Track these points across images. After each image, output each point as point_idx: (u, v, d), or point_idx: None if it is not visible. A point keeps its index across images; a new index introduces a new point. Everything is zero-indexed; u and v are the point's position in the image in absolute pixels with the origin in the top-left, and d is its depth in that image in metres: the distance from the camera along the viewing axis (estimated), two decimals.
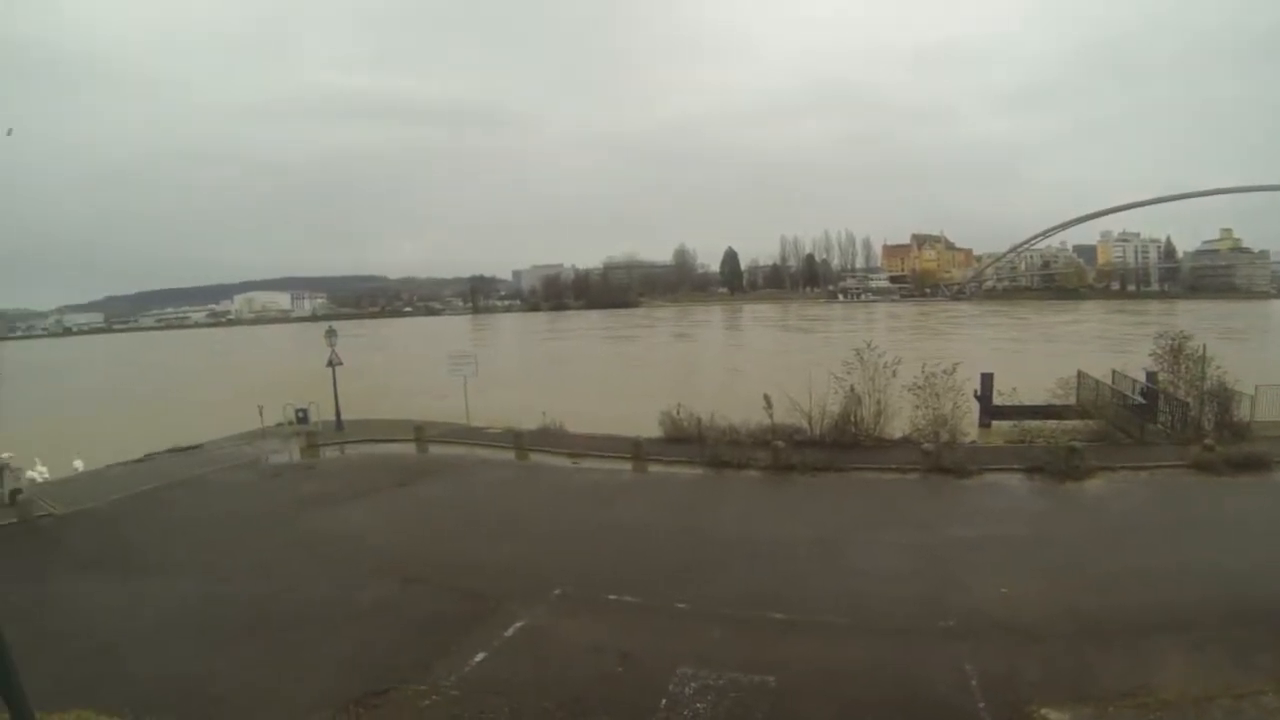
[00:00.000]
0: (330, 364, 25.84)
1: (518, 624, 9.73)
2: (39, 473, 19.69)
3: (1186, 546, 11.95)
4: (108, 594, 11.72)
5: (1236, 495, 14.91)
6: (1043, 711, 7.30)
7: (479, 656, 8.87)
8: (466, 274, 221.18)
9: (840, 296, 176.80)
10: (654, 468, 18.55)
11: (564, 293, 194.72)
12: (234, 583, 11.95)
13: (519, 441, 21.00)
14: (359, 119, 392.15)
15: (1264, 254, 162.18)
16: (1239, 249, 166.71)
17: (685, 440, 19.80)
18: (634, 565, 11.85)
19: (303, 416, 25.23)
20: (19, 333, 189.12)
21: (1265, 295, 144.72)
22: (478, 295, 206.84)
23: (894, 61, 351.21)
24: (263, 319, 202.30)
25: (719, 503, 15.69)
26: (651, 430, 20.76)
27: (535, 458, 20.12)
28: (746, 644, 8.92)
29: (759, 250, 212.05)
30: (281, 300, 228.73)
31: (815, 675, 8.22)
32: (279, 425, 25.52)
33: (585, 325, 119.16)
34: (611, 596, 10.52)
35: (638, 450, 19.07)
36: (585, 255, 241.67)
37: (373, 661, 8.88)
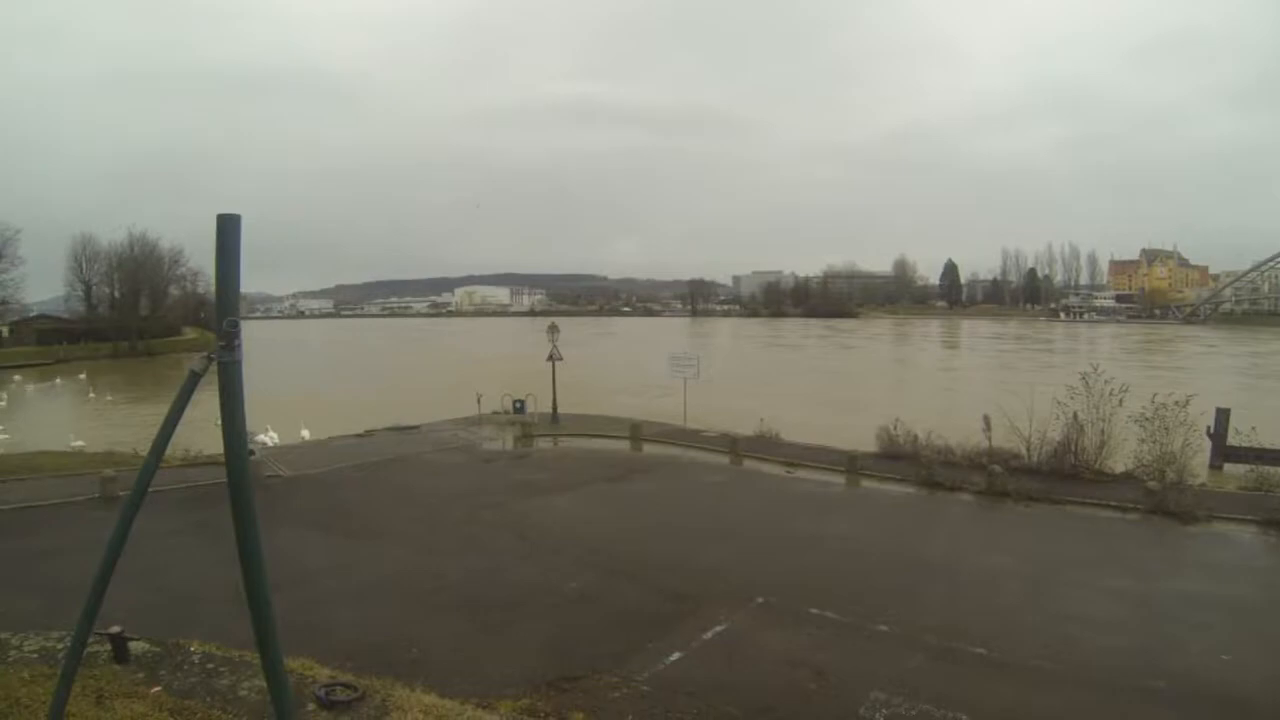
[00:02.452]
0: (550, 358, 27.09)
1: (717, 628, 9.91)
2: (270, 437, 22.24)
3: None
4: (325, 553, 12.96)
5: None
6: None
7: (674, 656, 9.10)
8: (685, 277, 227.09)
9: (1062, 315, 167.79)
10: (866, 483, 18.49)
11: (783, 299, 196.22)
12: (442, 556, 12.96)
13: (734, 446, 21.27)
14: (579, 126, 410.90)
15: None
16: None
17: (899, 457, 19.68)
18: (839, 581, 11.84)
19: (519, 407, 26.44)
20: (258, 313, 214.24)
21: None
22: (696, 298, 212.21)
23: (1113, 59, 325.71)
24: (482, 311, 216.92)
25: (929, 525, 15.41)
26: (867, 444, 20.72)
27: (749, 464, 20.41)
28: (943, 676, 8.68)
29: (979, 263, 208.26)
30: (500, 295, 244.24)
31: (1010, 719, 7.96)
32: (495, 414, 27.09)
33: (804, 333, 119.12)
34: (813, 610, 10.49)
35: (852, 464, 19.06)
36: (804, 263, 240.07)
37: (570, 648, 9.24)
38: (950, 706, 8.03)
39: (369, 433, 24.33)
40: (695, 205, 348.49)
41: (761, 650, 9.42)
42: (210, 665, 6.35)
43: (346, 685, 6.00)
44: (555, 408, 26.83)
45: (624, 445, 22.89)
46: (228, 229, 3.17)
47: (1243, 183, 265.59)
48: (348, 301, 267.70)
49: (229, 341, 3.16)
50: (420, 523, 15.14)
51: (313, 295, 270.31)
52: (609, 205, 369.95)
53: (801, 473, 19.23)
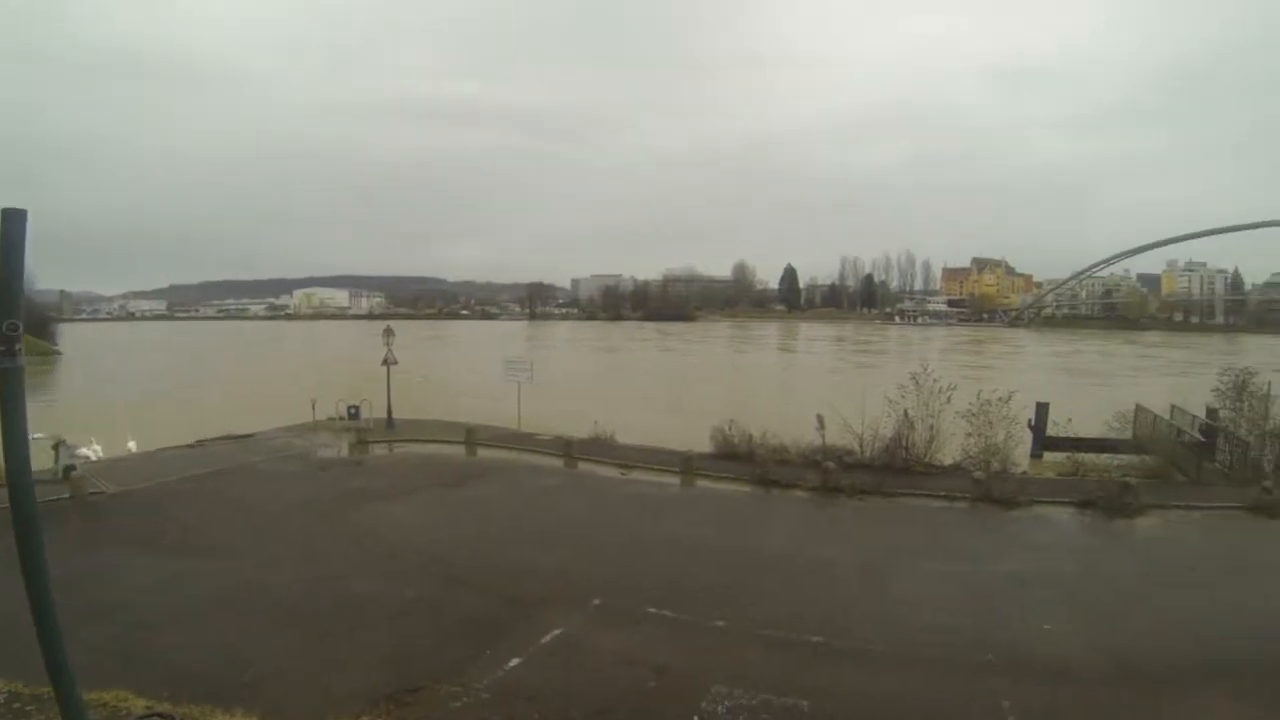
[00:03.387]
0: (385, 363, 26.65)
1: (555, 631, 9.89)
2: (93, 451, 20.50)
3: (1240, 591, 11.90)
4: (152, 573, 12.13)
5: None
6: None
7: (513, 662, 9.01)
8: (525, 280, 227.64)
9: (897, 318, 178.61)
10: (702, 483, 18.88)
11: (622, 303, 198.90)
12: (277, 570, 12.34)
13: (569, 449, 21.40)
14: (424, 124, 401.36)
15: None
16: None
17: (735, 457, 20.16)
18: (675, 580, 11.98)
19: (354, 413, 25.98)
20: (84, 315, 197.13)
21: None
22: (535, 302, 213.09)
23: (962, 82, 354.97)
24: (320, 314, 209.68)
25: (765, 521, 15.86)
26: (702, 445, 21.10)
27: (584, 466, 20.54)
28: (782, 666, 9.00)
29: (818, 269, 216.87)
30: (340, 297, 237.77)
31: (849, 702, 8.23)
32: (331, 420, 26.33)
33: (641, 336, 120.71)
34: (651, 610, 10.63)
35: (687, 464, 19.39)
36: (644, 267, 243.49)
37: (410, 658, 9.09)
38: (790, 694, 8.31)
39: (200, 443, 22.97)
40: (539, 208, 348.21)
41: (600, 651, 9.46)
42: (17, 705, 6.02)
43: (163, 716, 5.74)
44: (390, 413, 26.36)
45: (459, 450, 22.76)
46: (12, 224, 3.01)
47: (1068, 200, 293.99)
48: (182, 303, 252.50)
49: (9, 346, 2.95)
50: (253, 535, 14.42)
51: (145, 296, 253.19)
52: (451, 208, 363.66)
53: (637, 474, 19.50)
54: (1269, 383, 21.90)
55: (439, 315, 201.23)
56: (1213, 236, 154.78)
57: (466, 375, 49.38)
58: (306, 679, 8.63)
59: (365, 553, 13.37)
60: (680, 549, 13.67)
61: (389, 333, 27.78)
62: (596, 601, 11.00)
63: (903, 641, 9.86)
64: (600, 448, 22.06)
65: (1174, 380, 44.95)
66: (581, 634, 9.99)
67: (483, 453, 22.57)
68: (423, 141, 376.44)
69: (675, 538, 14.34)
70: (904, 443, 19.80)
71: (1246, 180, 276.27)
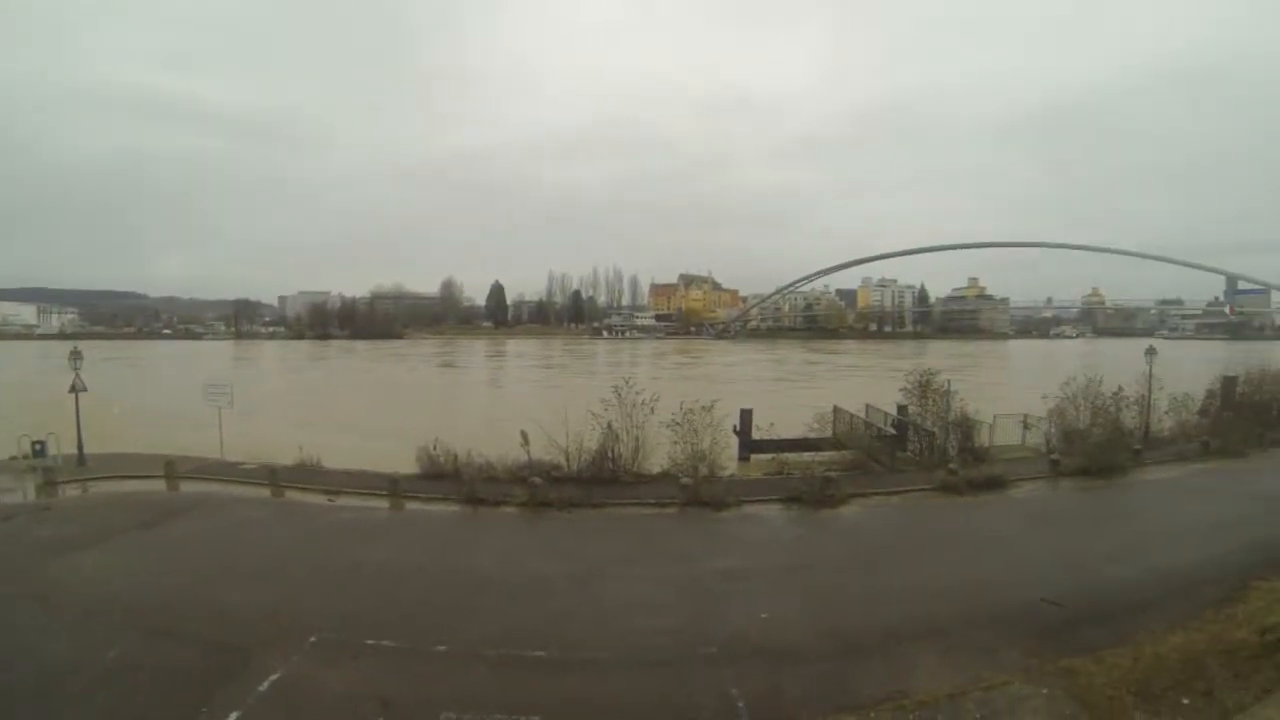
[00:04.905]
0: (74, 389, 23.71)
1: (273, 676, 9.37)
2: None
3: (935, 561, 13.80)
4: None
5: (977, 512, 17.63)
6: None
7: (232, 716, 8.52)
8: (231, 297, 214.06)
9: (604, 333, 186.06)
10: (411, 505, 18.62)
11: (330, 321, 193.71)
12: None
13: (274, 478, 20.46)
14: (142, 121, 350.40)
15: (1005, 300, 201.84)
16: (984, 296, 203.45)
17: (442, 477, 20.04)
18: (392, 607, 11.76)
19: (40, 450, 22.44)
20: None
21: (1005, 336, 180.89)
22: (241, 320, 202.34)
23: (677, 108, 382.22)
24: (2, 334, 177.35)
25: (476, 540, 15.88)
26: (409, 466, 20.90)
27: (291, 495, 19.71)
28: (509, 684, 9.17)
29: (527, 285, 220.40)
30: (26, 313, 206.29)
31: (580, 711, 8.56)
32: (12, 459, 22.67)
33: (348, 356, 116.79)
34: (370, 641, 10.41)
35: (394, 487, 19.14)
36: (354, 283, 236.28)
37: None
38: (521, 711, 8.45)
39: None
40: (250, 221, 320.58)
41: (322, 691, 9.08)
42: None
43: None
44: (81, 448, 23.34)
45: (160, 485, 20.97)
46: None
47: (772, 221, 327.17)
48: None
49: None
50: None
51: None
52: (155, 214, 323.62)
53: (345, 500, 19.06)
54: (948, 381, 25.60)
55: (139, 335, 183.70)
56: (903, 257, 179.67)
57: (167, 401, 45.37)
58: None
59: (57, 614, 11.73)
60: (394, 575, 13.38)
61: (76, 355, 24.46)
62: (313, 638, 10.49)
63: (625, 646, 10.24)
64: (307, 474, 21.30)
65: (867, 382, 50.66)
66: (301, 675, 9.50)
67: (185, 486, 20.96)
68: (123, 139, 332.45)
69: (388, 563, 14.03)
70: (610, 454, 20.47)
71: (930, 209, 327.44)
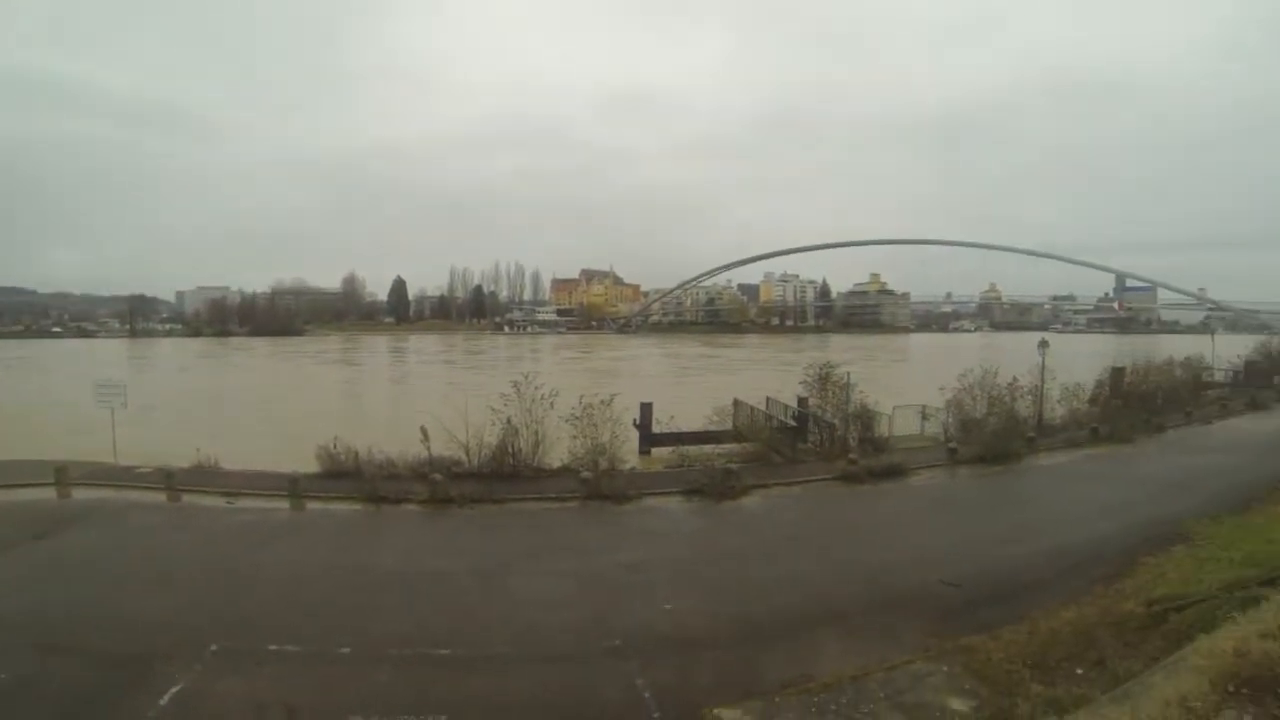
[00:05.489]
0: None
1: (174, 689, 9.09)
2: None
3: (836, 548, 14.31)
4: None
5: (878, 500, 18.32)
6: (715, 712, 8.08)
7: None
8: (127, 292, 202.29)
9: (506, 328, 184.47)
10: (312, 505, 18.36)
11: (229, 318, 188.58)
12: None
13: (171, 481, 19.80)
14: (35, 105, 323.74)
15: (905, 295, 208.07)
16: (885, 291, 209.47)
17: (343, 475, 19.82)
18: (294, 610, 11.60)
19: None
20: None
21: (906, 330, 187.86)
22: (137, 317, 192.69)
23: (580, 104, 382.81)
24: None
25: (378, 539, 15.80)
26: (311, 465, 20.57)
27: (189, 498, 19.12)
28: (415, 685, 9.15)
29: (428, 280, 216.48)
30: None
31: (488, 709, 8.59)
32: None
33: (247, 354, 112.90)
34: (272, 647, 10.25)
35: (295, 487, 18.84)
36: (255, 279, 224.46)
37: None
38: (429, 710, 8.45)
39: None
40: (148, 212, 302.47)
41: (225, 702, 8.84)
42: None
43: None
44: None
45: (50, 493, 19.96)
46: None
47: (676, 217, 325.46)
48: None
49: None
50: None
51: None
52: (46, 205, 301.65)
53: (244, 502, 18.58)
54: (848, 373, 26.38)
55: (27, 332, 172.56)
56: (806, 252, 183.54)
57: (56, 403, 42.89)
58: None
59: None
60: (296, 577, 13.20)
61: None
62: (214, 647, 10.21)
63: (529, 641, 10.30)
64: (205, 476, 20.67)
65: (767, 376, 51.61)
66: (203, 686, 9.24)
67: (77, 493, 19.95)
68: (16, 129, 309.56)
69: (290, 565, 13.86)
70: (511, 449, 20.53)
71: (833, 206, 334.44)
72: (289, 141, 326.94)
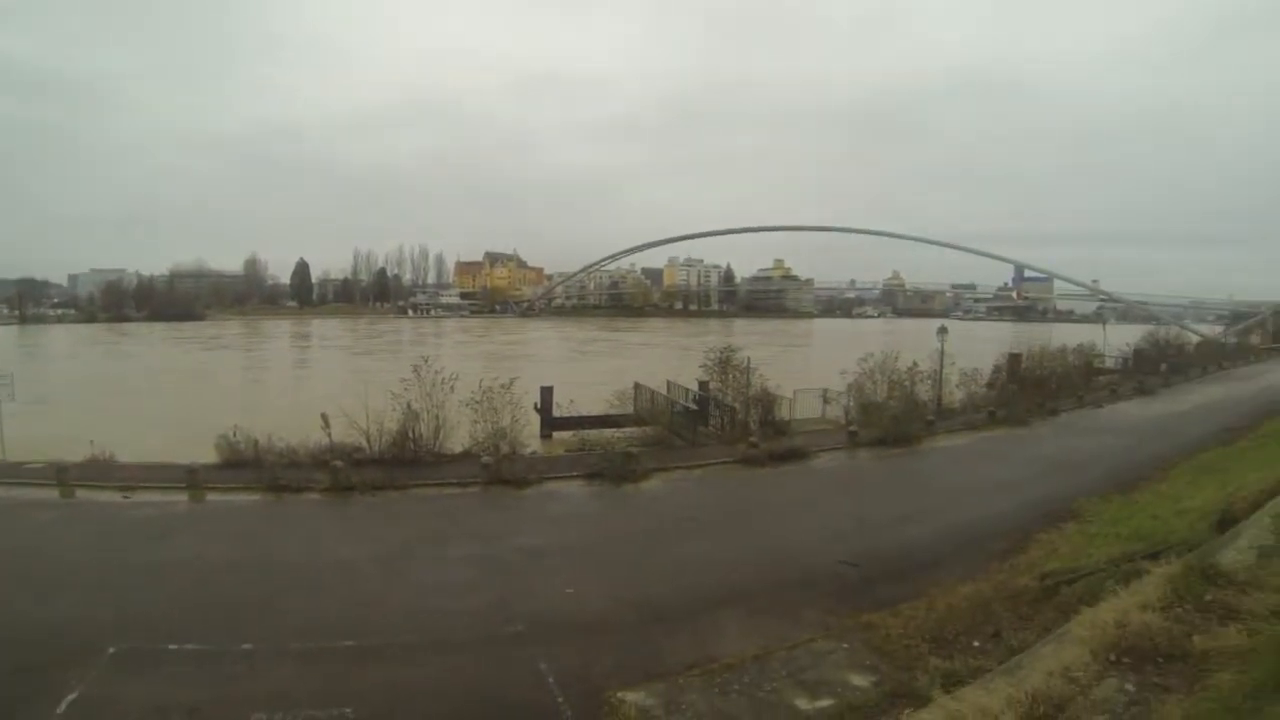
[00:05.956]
0: None
1: (70, 696, 8.73)
2: None
3: (737, 530, 14.69)
4: None
5: (778, 482, 18.81)
6: (619, 695, 8.18)
7: None
8: (14, 275, 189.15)
9: (410, 312, 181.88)
10: (212, 496, 17.96)
11: (126, 302, 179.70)
12: None
13: (63, 477, 18.90)
14: None
15: (810, 281, 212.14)
16: (789, 276, 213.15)
17: (243, 465, 19.46)
18: (195, 607, 11.30)
19: None
20: None
21: (809, 315, 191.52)
22: (25, 302, 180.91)
23: (487, 85, 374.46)
24: None
25: (279, 529, 15.63)
26: (210, 455, 20.10)
27: (84, 494, 18.35)
28: (320, 678, 9.06)
29: (332, 263, 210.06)
30: None
31: (393, 698, 8.58)
32: None
33: (144, 339, 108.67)
34: (173, 646, 9.96)
35: (194, 479, 18.32)
36: (153, 261, 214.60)
37: None
38: (334, 703, 8.37)
39: None
40: (38, 191, 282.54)
41: (127, 707, 8.55)
42: None
43: None
44: None
45: None
46: None
47: (580, 200, 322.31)
48: None
49: None
50: None
51: None
52: None
53: (141, 495, 17.91)
54: (748, 357, 26.90)
55: None
56: (711, 237, 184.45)
57: None
58: None
59: None
60: (196, 572, 12.83)
61: None
62: (113, 649, 9.84)
63: (434, 628, 10.30)
64: (100, 470, 19.83)
65: (670, 359, 52.19)
66: (101, 691, 8.90)
67: None
68: None
69: (189, 561, 13.45)
70: (411, 434, 20.44)
71: (741, 193, 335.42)
72: (190, 117, 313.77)
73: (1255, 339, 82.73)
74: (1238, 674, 4.68)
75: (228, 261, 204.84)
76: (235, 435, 20.36)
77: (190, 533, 15.48)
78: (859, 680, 8.35)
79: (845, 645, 9.16)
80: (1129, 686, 4.94)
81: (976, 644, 8.61)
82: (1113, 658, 5.36)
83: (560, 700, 8.38)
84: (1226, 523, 9.83)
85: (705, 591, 11.32)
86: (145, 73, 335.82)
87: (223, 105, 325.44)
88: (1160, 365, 44.57)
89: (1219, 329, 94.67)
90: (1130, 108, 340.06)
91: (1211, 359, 52.97)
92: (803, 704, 7.98)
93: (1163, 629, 5.51)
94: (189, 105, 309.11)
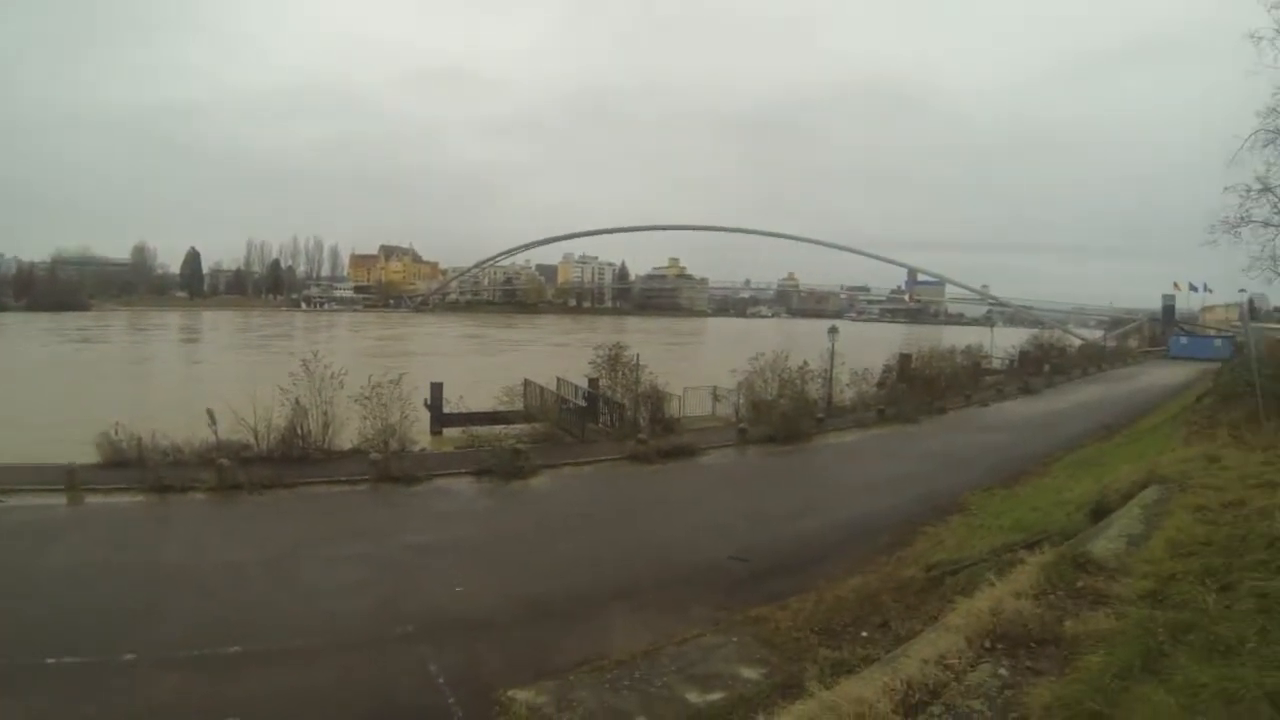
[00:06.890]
0: None
1: None
2: None
3: (626, 527, 15.00)
4: None
5: (665, 479, 19.19)
6: (509, 693, 8.15)
7: None
8: None
9: (303, 305, 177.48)
10: (92, 498, 17.25)
11: (3, 290, 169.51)
12: None
13: None
14: None
15: (704, 280, 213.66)
16: (684, 275, 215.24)
17: (125, 464, 18.74)
18: (73, 618, 10.77)
19: None
20: None
21: (704, 314, 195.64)
22: None
23: (390, 76, 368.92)
24: None
25: (163, 531, 15.18)
26: (90, 454, 19.16)
27: None
28: (206, 687, 8.83)
29: (226, 254, 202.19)
30: None
31: (281, 704, 8.46)
32: None
33: (21, 331, 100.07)
34: (50, 661, 9.45)
35: (72, 479, 17.47)
36: (33, 246, 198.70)
37: None
38: (220, 713, 8.14)
39: None
40: None
41: None
42: None
43: None
44: None
45: None
46: None
47: (477, 195, 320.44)
48: None
49: None
50: None
51: None
52: None
53: (15, 499, 16.89)
54: (637, 354, 26.99)
55: None
56: (608, 235, 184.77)
57: None
58: None
59: None
60: (75, 579, 12.28)
61: None
62: None
63: (323, 631, 10.16)
64: None
65: (561, 355, 52.11)
66: None
67: None
68: None
69: (67, 567, 12.86)
70: (300, 431, 20.07)
71: (639, 193, 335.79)
72: (81, 98, 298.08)
73: (1133, 343, 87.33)
74: (1106, 656, 4.90)
75: (115, 249, 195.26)
76: (117, 433, 19.45)
77: (69, 538, 14.84)
78: (749, 673, 8.52)
79: (735, 639, 9.32)
80: (1002, 671, 5.12)
81: (865, 634, 8.85)
82: (988, 644, 5.54)
83: (451, 701, 8.35)
84: (1100, 513, 10.23)
85: (595, 588, 11.44)
86: (24, 44, 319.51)
87: (110, 83, 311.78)
88: (1044, 366, 47.04)
89: (1100, 333, 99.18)
90: (1019, 127, 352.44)
91: (1092, 361, 55.74)
92: (694, 698, 8.07)
93: (1035, 615, 5.73)
94: (74, 81, 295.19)
